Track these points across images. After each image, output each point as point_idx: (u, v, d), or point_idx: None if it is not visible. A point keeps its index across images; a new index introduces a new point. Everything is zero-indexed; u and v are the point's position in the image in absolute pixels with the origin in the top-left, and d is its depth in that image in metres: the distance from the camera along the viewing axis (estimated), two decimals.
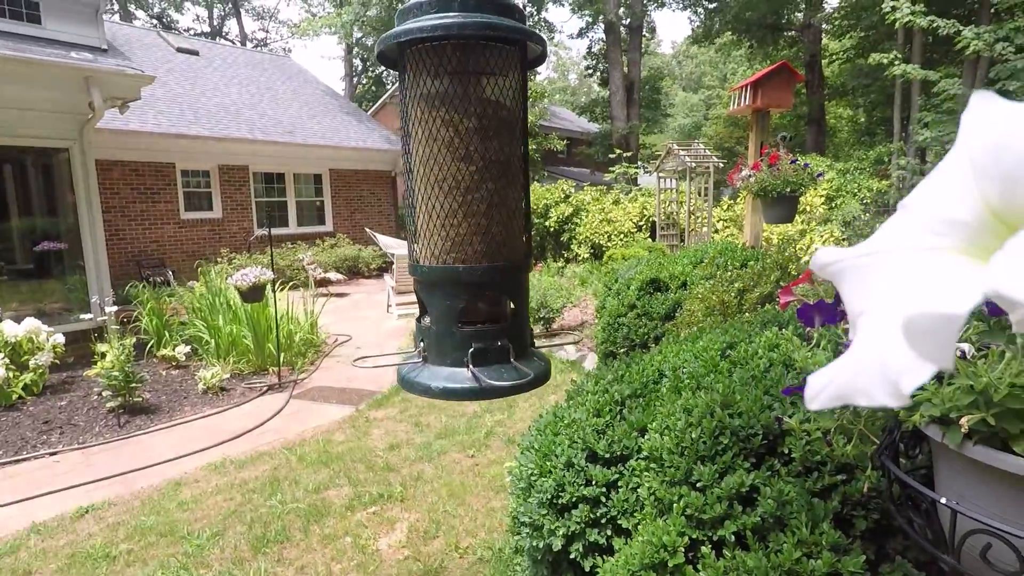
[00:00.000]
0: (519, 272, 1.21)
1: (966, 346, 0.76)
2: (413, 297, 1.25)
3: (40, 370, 4.90)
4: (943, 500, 0.74)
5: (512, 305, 1.23)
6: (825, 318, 0.97)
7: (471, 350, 1.13)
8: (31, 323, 4.98)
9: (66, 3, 6.61)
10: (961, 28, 5.87)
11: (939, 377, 0.76)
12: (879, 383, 0.32)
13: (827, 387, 0.36)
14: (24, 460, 3.79)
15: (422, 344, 1.21)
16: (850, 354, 0.36)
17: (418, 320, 1.27)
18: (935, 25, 5.68)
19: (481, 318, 1.20)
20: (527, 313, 1.27)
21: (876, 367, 0.33)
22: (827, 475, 1.14)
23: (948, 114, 8.56)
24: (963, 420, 0.71)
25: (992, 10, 9.99)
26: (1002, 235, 0.35)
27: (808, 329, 1.03)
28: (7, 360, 4.73)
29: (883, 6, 5.90)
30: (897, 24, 5.80)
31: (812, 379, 0.37)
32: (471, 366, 1.12)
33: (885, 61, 5.76)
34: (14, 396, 4.65)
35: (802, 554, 1.04)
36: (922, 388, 0.76)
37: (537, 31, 1.12)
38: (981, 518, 0.69)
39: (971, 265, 0.35)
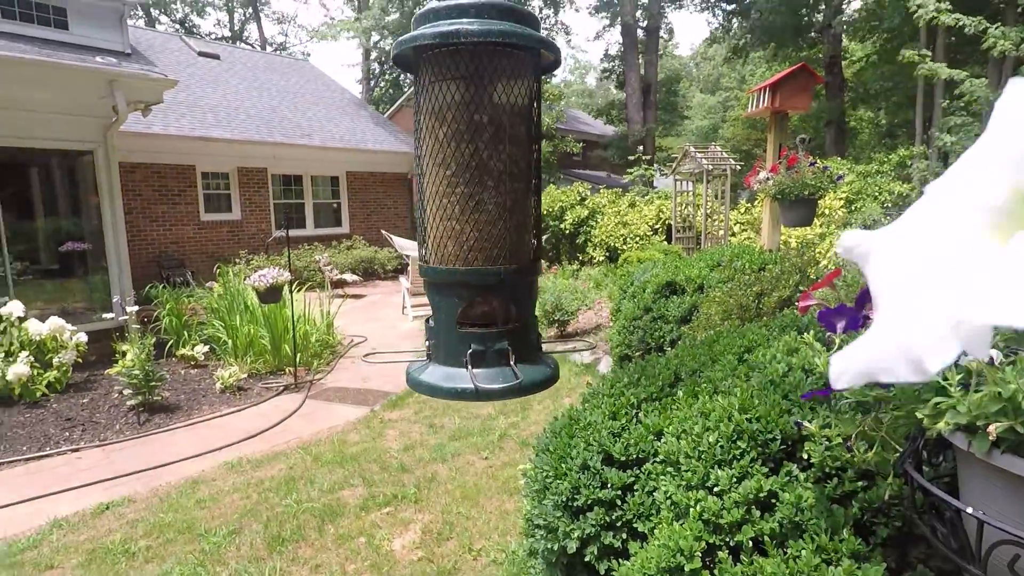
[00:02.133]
0: (526, 275, 1.21)
1: (995, 352, 0.74)
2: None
3: (63, 368, 5.00)
4: (969, 509, 0.72)
5: (518, 308, 1.23)
6: (847, 323, 0.95)
7: (472, 352, 1.13)
8: (55, 322, 5.08)
9: (92, 9, 6.77)
10: (988, 26, 5.75)
11: (965, 384, 0.74)
12: (903, 361, 0.33)
13: (852, 365, 0.36)
14: (47, 456, 3.87)
15: (430, 343, 1.22)
16: (873, 333, 0.36)
17: (427, 320, 1.27)
18: (961, 24, 5.58)
19: (487, 320, 1.20)
20: (534, 316, 1.27)
21: (900, 346, 0.33)
22: (847, 481, 1.12)
23: (973, 116, 8.39)
24: (991, 428, 0.69)
25: (1019, 9, 9.78)
26: None
27: (829, 334, 1.01)
28: (32, 358, 4.83)
29: (908, 4, 5.80)
30: (921, 22, 5.70)
31: (835, 359, 0.38)
32: (471, 367, 1.12)
33: (916, 59, 5.66)
34: (38, 393, 4.75)
35: (821, 561, 1.02)
36: (947, 395, 0.74)
37: (552, 37, 1.11)
38: (1009, 529, 0.67)
39: (998, 253, 0.34)
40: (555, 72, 1.43)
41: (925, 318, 0.32)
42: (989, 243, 0.35)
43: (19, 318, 5.04)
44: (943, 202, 0.39)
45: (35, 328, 4.99)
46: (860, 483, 1.12)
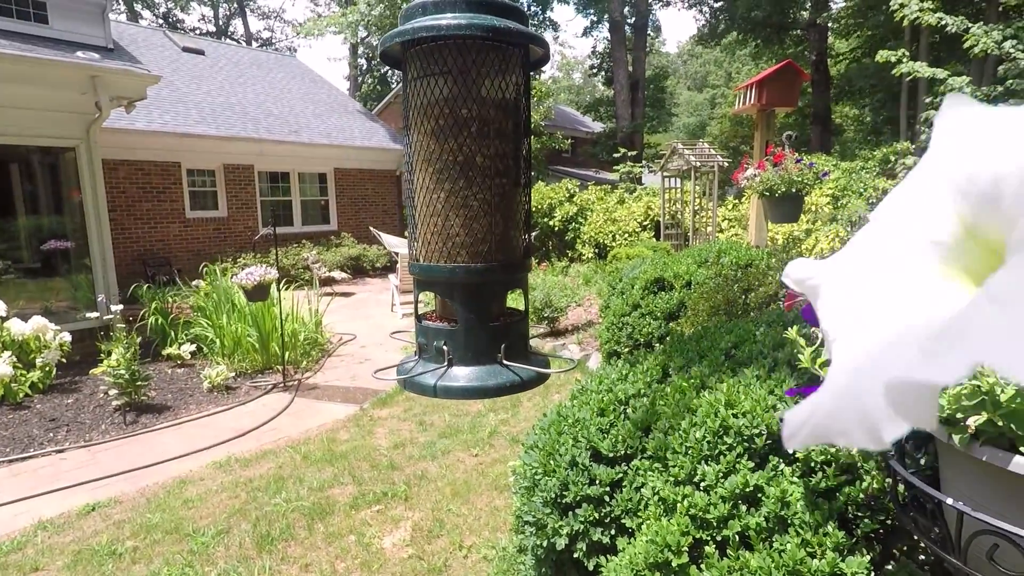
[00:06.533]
0: (516, 272, 1.21)
1: None
2: None
3: (47, 368, 4.93)
4: (949, 501, 0.74)
5: (508, 305, 1.23)
6: None
7: (464, 349, 1.13)
8: (38, 321, 5.01)
9: (73, 3, 6.65)
10: (969, 25, 5.82)
11: None
12: (858, 428, 0.30)
13: (805, 425, 0.33)
14: (31, 457, 3.81)
15: (420, 342, 1.21)
16: (827, 389, 0.33)
17: (417, 318, 1.27)
18: (943, 23, 5.64)
19: (477, 317, 1.20)
20: (526, 313, 1.27)
21: (855, 410, 0.30)
22: (832, 476, 1.13)
23: None
24: (970, 421, 0.70)
25: (1000, 8, 9.92)
26: (978, 256, 0.33)
27: (813, 329, 1.02)
28: (14, 358, 4.76)
29: (891, 3, 5.85)
30: (905, 21, 5.75)
31: (789, 416, 0.34)
32: (462, 365, 1.12)
33: (893, 59, 5.71)
34: (21, 394, 4.68)
35: (806, 554, 1.03)
36: None
37: (540, 32, 1.11)
38: (988, 519, 0.69)
39: (949, 297, 0.32)
40: (543, 67, 1.43)
41: (879, 382, 0.29)
42: (942, 283, 0.33)
43: (1, 318, 4.96)
44: (891, 233, 0.37)
45: (17, 328, 4.91)
46: (844, 477, 1.13)
